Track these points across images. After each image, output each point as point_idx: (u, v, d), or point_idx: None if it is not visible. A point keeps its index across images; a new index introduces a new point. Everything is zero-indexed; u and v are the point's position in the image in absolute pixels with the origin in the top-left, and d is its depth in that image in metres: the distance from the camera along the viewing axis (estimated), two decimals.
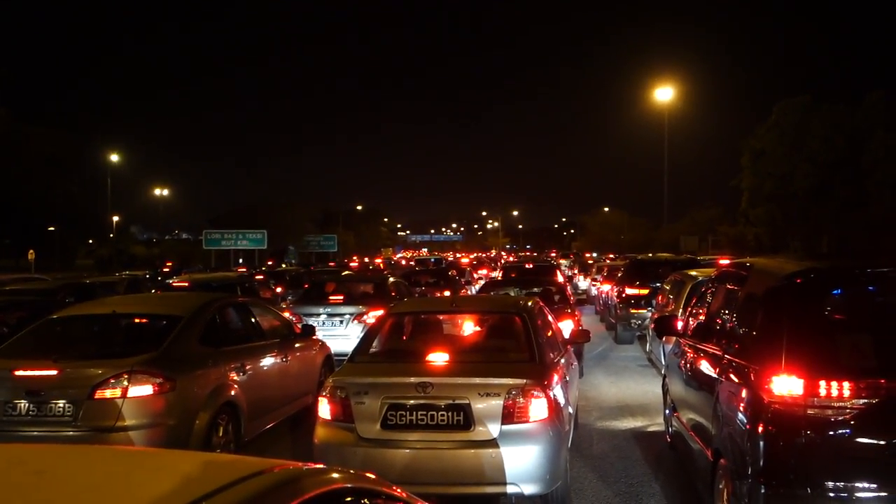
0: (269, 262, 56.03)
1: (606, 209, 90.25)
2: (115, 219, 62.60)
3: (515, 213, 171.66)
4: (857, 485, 3.62)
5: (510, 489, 5.04)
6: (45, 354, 6.27)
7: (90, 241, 66.50)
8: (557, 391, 5.54)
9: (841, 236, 40.40)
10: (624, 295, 16.08)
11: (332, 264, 55.13)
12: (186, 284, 16.63)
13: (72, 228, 56.56)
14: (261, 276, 25.41)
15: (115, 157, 59.14)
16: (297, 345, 8.53)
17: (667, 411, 7.43)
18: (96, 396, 5.83)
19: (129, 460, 2.26)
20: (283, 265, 52.71)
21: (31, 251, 42.21)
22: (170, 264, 49.02)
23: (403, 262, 67.47)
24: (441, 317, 7.32)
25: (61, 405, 5.86)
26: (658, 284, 14.29)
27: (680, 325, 6.70)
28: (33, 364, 6.11)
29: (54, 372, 5.97)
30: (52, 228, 53.95)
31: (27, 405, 5.90)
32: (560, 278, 19.11)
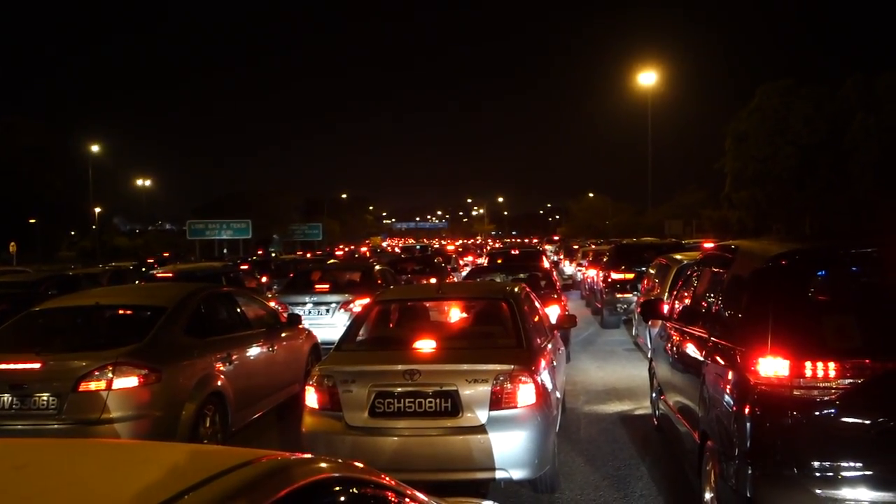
0: (260, 252, 55.84)
1: (591, 195, 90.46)
2: (98, 210, 61.97)
3: (500, 199, 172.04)
4: (843, 464, 3.65)
5: (499, 474, 5.05)
6: (28, 347, 6.20)
7: (72, 233, 65.90)
8: (545, 376, 5.55)
9: (823, 218, 40.74)
10: (610, 279, 16.14)
11: (318, 252, 55.09)
12: (170, 275, 16.52)
13: (53, 220, 55.99)
14: (246, 266, 25.33)
15: (96, 148, 58.49)
16: (283, 334, 8.50)
17: (653, 394, 7.47)
18: (81, 389, 5.77)
19: (113, 453, 2.23)
20: (273, 254, 52.53)
21: (13, 243, 41.80)
22: (166, 255, 48.55)
23: (392, 248, 67.52)
24: (427, 304, 7.30)
25: (45, 398, 5.80)
26: (643, 269, 14.35)
27: (666, 308, 6.73)
28: (16, 357, 6.04)
29: (37, 365, 5.91)
30: (33, 220, 53.39)
31: (10, 399, 5.83)
32: (546, 264, 19.15)
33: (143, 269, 26.04)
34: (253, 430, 7.60)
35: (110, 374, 5.81)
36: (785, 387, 3.74)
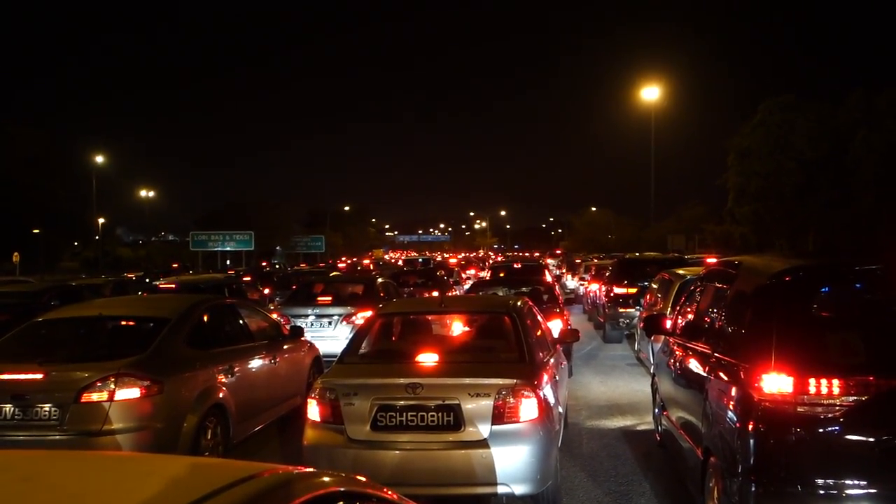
0: (264, 264, 55.90)
1: (593, 209, 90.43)
2: (101, 221, 62.06)
3: (503, 213, 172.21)
4: (846, 482, 3.64)
5: (501, 489, 5.03)
6: (31, 358, 6.19)
7: (75, 244, 65.95)
8: (547, 391, 5.53)
9: (826, 234, 40.69)
10: (612, 294, 16.12)
11: (321, 265, 55.13)
12: (174, 286, 16.53)
13: (57, 230, 56.03)
14: (248, 278, 25.34)
15: (99, 159, 58.69)
16: (285, 346, 8.49)
17: (656, 410, 7.44)
18: (83, 400, 5.77)
19: (116, 465, 2.23)
20: (277, 265, 52.52)
21: (16, 253, 41.88)
22: (175, 266, 48.55)
23: (395, 261, 67.61)
24: (430, 317, 7.29)
25: (47, 409, 5.79)
26: (646, 283, 14.33)
27: (668, 323, 6.71)
28: (18, 367, 6.04)
29: (40, 375, 5.90)
30: (36, 231, 53.48)
31: (12, 409, 5.82)
32: (548, 278, 19.14)
33: (147, 280, 26.04)
34: (254, 442, 7.58)
35: (112, 386, 5.80)
36: (788, 403, 3.73)
